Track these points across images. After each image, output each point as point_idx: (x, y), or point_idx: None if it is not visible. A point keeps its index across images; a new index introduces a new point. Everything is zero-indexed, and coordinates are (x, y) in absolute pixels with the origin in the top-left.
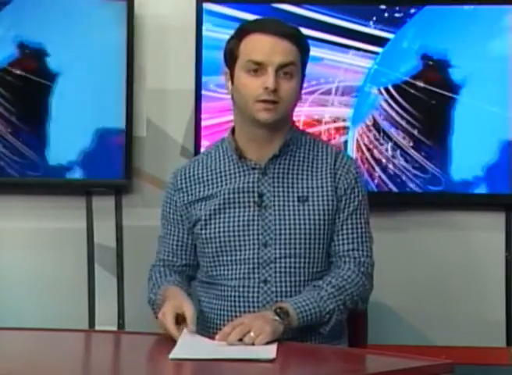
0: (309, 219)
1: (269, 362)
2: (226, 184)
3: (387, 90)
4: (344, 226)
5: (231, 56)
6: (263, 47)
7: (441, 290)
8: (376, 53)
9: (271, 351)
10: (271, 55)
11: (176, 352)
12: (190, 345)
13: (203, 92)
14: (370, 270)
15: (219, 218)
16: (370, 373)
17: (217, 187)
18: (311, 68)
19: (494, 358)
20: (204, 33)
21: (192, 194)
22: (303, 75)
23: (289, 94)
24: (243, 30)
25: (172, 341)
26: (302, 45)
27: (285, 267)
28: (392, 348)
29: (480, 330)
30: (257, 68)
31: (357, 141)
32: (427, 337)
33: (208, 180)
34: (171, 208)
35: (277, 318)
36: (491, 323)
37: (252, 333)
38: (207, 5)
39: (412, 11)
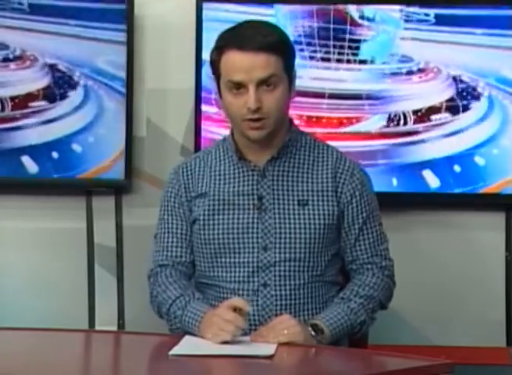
0: (309, 224)
1: (267, 358)
2: (225, 184)
3: None
4: (361, 233)
5: (214, 70)
6: (241, 66)
7: (441, 290)
8: None
9: (270, 348)
10: (249, 73)
11: (177, 349)
12: (190, 344)
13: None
14: (392, 271)
15: (218, 219)
16: (370, 373)
17: (214, 185)
18: None
19: (494, 358)
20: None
21: (193, 191)
22: (291, 75)
23: (274, 106)
24: (222, 43)
25: (172, 342)
26: (282, 51)
27: (284, 271)
28: (392, 348)
29: (480, 330)
30: (239, 87)
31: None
32: (427, 337)
33: (207, 177)
34: (176, 202)
35: (313, 333)
36: (491, 323)
37: (285, 331)
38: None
39: None
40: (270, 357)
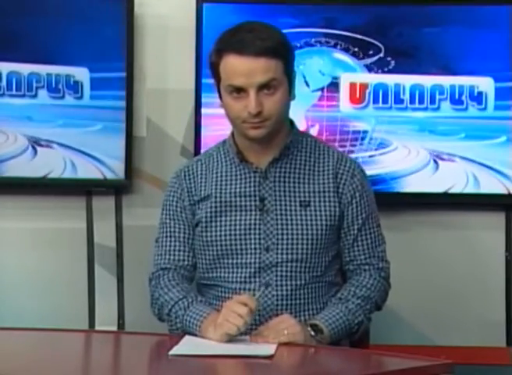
0: (311, 225)
1: (267, 358)
2: (227, 186)
3: None
4: (359, 234)
5: (214, 72)
6: (241, 70)
7: (441, 290)
8: None
9: (270, 348)
10: (250, 78)
11: (177, 349)
12: (190, 344)
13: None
14: (388, 273)
15: (221, 221)
16: (370, 373)
17: (217, 187)
18: None
19: (494, 358)
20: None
21: (196, 194)
22: (291, 76)
23: (274, 109)
24: (221, 46)
25: (172, 342)
26: (282, 54)
27: (286, 271)
28: (392, 348)
29: (480, 330)
30: (239, 91)
31: None
32: (427, 337)
33: (209, 180)
34: (178, 206)
35: (313, 333)
36: (491, 323)
37: (286, 331)
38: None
39: None
40: (270, 357)
